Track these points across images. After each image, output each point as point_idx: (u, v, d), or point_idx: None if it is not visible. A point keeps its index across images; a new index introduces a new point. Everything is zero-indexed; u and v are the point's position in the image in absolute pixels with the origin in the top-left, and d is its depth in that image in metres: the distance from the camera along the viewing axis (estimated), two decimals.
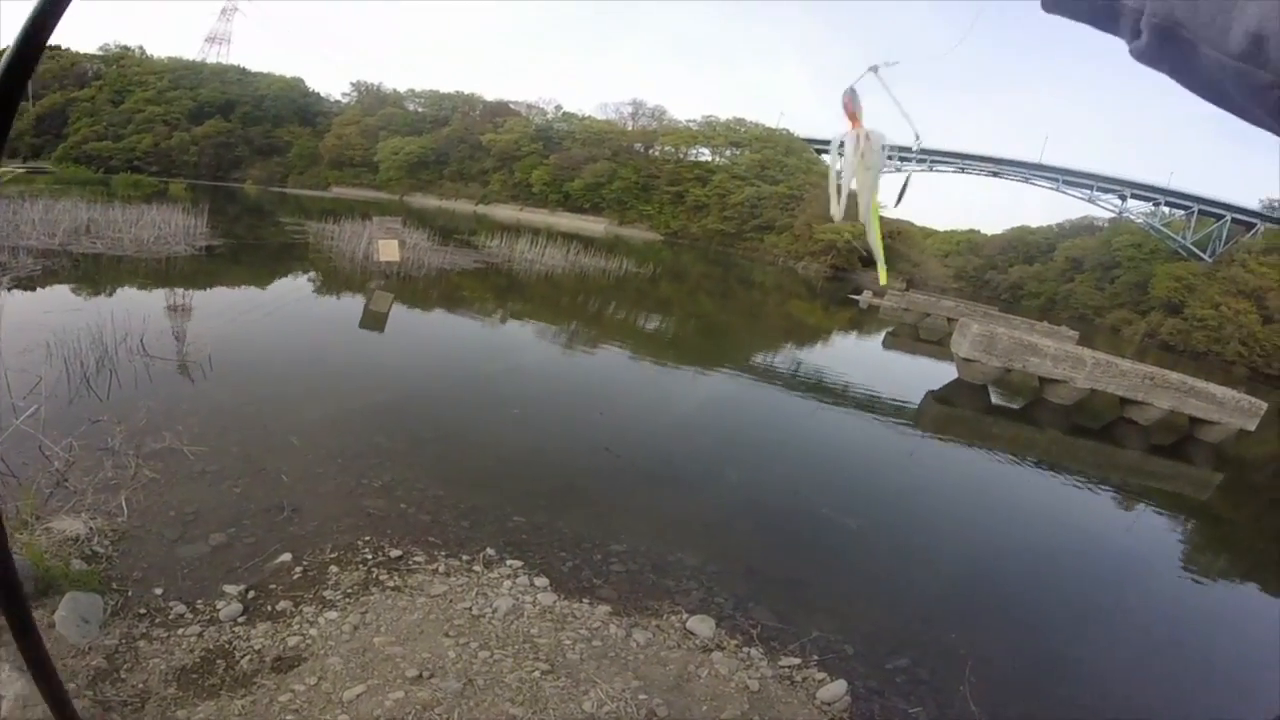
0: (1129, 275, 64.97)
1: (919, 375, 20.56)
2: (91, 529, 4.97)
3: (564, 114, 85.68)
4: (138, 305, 11.43)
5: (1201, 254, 62.58)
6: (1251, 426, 16.02)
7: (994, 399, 17.64)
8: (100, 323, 9.62)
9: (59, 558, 4.52)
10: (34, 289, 12.43)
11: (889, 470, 10.59)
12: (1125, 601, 7.44)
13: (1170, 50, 0.60)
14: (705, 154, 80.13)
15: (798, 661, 4.94)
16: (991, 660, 5.45)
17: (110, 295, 12.89)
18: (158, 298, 12.86)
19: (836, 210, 0.88)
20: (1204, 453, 15.76)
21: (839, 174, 0.87)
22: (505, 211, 72.78)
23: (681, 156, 79.43)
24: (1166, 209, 68.77)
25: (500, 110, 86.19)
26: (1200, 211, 66.16)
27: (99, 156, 68.79)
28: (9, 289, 11.78)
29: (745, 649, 4.98)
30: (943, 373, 19.59)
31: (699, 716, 4.17)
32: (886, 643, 5.45)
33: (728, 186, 74.64)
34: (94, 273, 15.12)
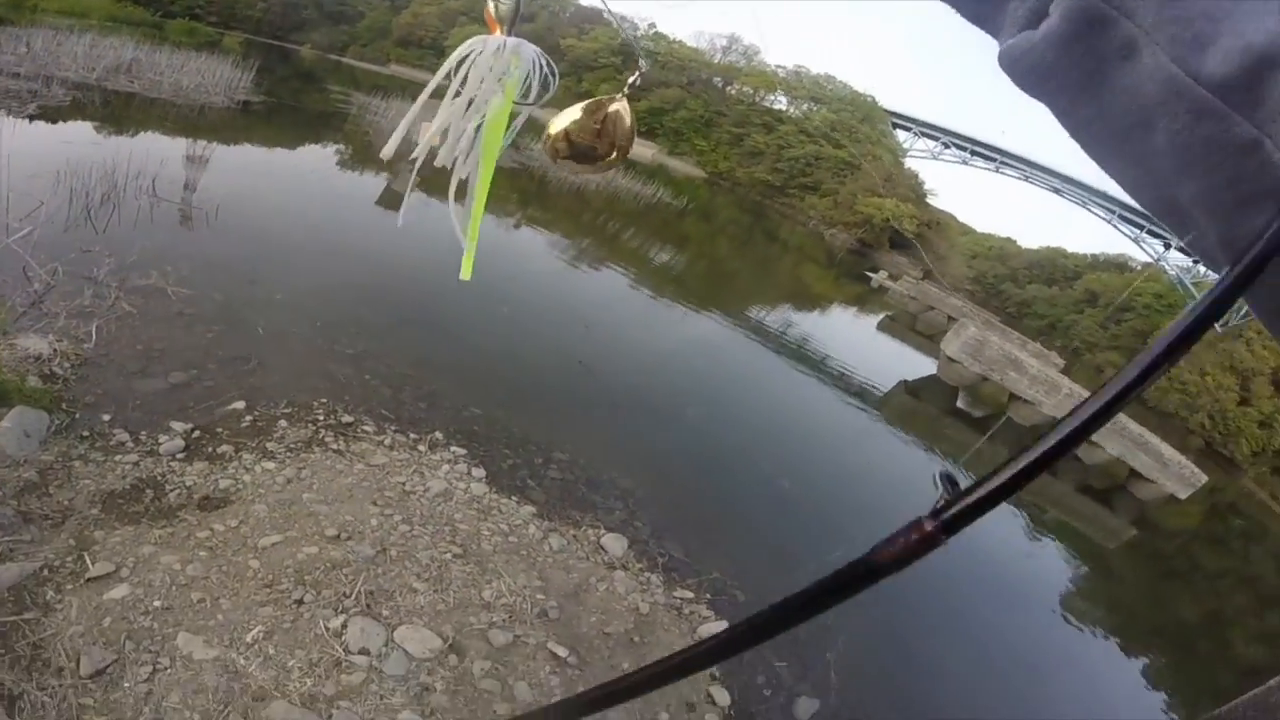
0: (1136, 322, 63.56)
1: (899, 363, 20.54)
2: (55, 350, 5.02)
3: (655, 33, 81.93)
4: (158, 148, 11.01)
5: (1216, 322, 61.10)
6: (1183, 495, 16.02)
7: (960, 403, 17.67)
8: (115, 159, 9.10)
9: (16, 373, 4.58)
10: (58, 120, 12.01)
11: (836, 444, 10.77)
12: (996, 621, 7.59)
13: (1084, 50, 0.41)
14: (782, 102, 76.63)
15: (691, 596, 5.18)
16: (861, 640, 5.66)
17: (133, 135, 12.46)
18: (180, 145, 12.36)
19: (427, 142, 0.77)
20: (1129, 506, 15.79)
21: (459, 88, 0.74)
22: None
23: (757, 100, 76.08)
24: (1203, 269, 66.75)
25: (590, 17, 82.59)
26: None
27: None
28: (31, 118, 11.37)
29: (647, 574, 5.21)
30: (923, 366, 19.59)
31: (585, 625, 4.42)
32: (776, 598, 5.64)
33: (791, 139, 71.62)
34: (123, 111, 14.59)
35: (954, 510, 0.47)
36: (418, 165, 0.83)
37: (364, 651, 3.53)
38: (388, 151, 0.76)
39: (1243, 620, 11.90)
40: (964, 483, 0.49)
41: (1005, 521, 11.01)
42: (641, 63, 0.81)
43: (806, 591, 0.53)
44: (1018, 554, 10.14)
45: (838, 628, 5.57)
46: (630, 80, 0.91)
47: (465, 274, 0.89)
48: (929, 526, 0.48)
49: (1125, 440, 16.14)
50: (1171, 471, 16.03)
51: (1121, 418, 16.43)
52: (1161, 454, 16.07)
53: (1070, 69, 0.42)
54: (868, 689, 5.21)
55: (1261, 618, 12.34)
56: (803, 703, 4.73)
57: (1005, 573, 9.08)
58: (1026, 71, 0.45)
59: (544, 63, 0.77)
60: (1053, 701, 6.57)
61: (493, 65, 0.73)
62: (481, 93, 0.74)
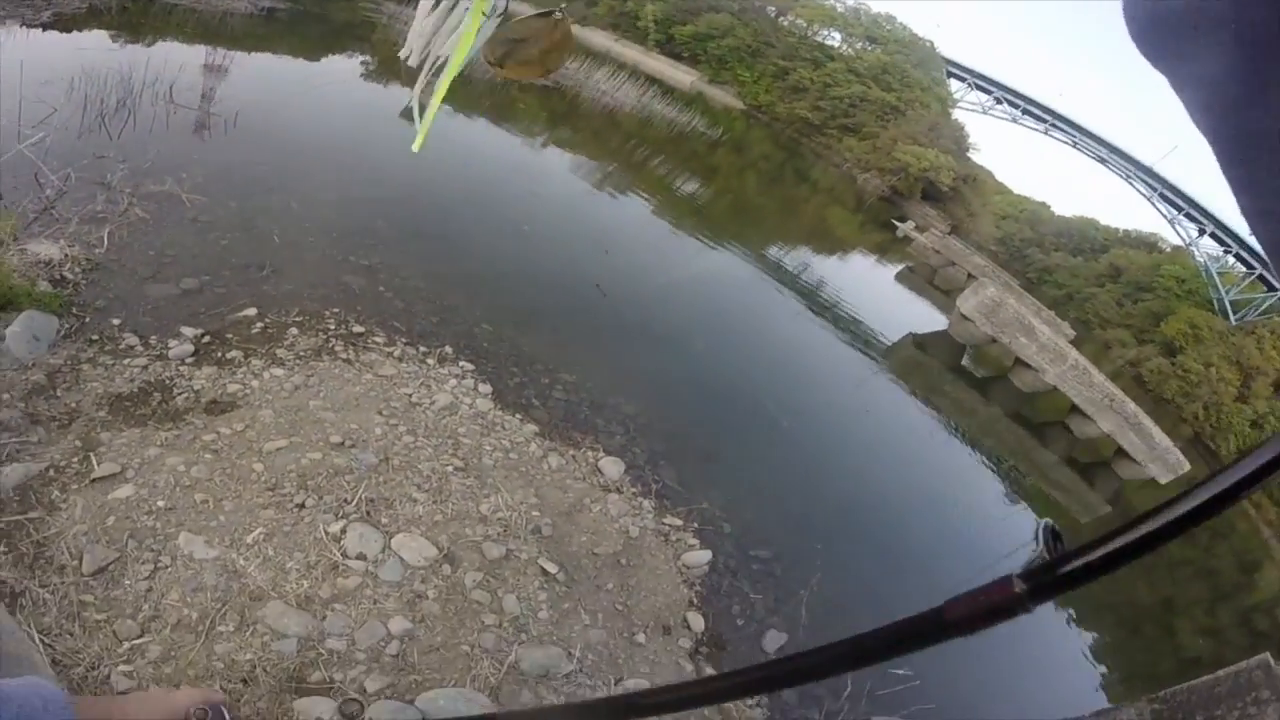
0: (1153, 303, 61.82)
1: (911, 316, 20.26)
2: (66, 255, 4.94)
3: None
4: (176, 55, 10.44)
5: (1231, 314, 59.37)
6: (1164, 480, 15.87)
7: (964, 361, 17.54)
8: (132, 65, 8.59)
9: (26, 278, 4.52)
10: (74, 28, 11.29)
11: (838, 387, 10.77)
12: (965, 579, 7.56)
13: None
14: (835, 38, 73.26)
15: (679, 524, 5.25)
16: (837, 583, 5.71)
17: (150, 44, 11.75)
18: (200, 52, 11.84)
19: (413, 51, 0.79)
20: (1109, 484, 15.67)
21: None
22: (599, 38, 68.02)
23: (809, 34, 72.65)
24: (1233, 259, 64.70)
25: None
26: (1260, 277, 62.23)
27: None
28: (44, 26, 10.63)
29: (640, 499, 5.27)
30: (935, 321, 19.42)
31: (576, 544, 4.50)
32: (759, 533, 5.74)
33: (838, 77, 68.49)
34: (141, 18, 13.65)
35: (1051, 575, 0.40)
36: (422, 79, 0.83)
37: (361, 557, 3.61)
38: (412, 59, 0.78)
39: (1192, 612, 11.88)
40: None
41: (986, 483, 11.06)
42: None
43: (861, 640, 0.48)
44: (994, 516, 10.17)
45: (818, 568, 5.62)
46: None
47: (416, 147, 0.86)
48: (1017, 588, 0.41)
49: (1119, 417, 16.05)
50: (1157, 455, 15.93)
51: (1119, 394, 16.29)
52: (1151, 436, 15.96)
53: (1255, 22, 0.30)
54: (834, 628, 5.19)
55: (1212, 612, 12.36)
56: (771, 635, 4.83)
57: (976, 535, 9.01)
58: (1181, 20, 0.33)
59: None
60: (999, 659, 6.43)
61: None
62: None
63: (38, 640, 2.68)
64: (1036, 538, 0.43)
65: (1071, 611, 8.46)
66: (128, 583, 3.03)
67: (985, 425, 13.87)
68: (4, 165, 5.43)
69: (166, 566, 3.15)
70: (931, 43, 72.08)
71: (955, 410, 13.25)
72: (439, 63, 0.84)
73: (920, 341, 16.92)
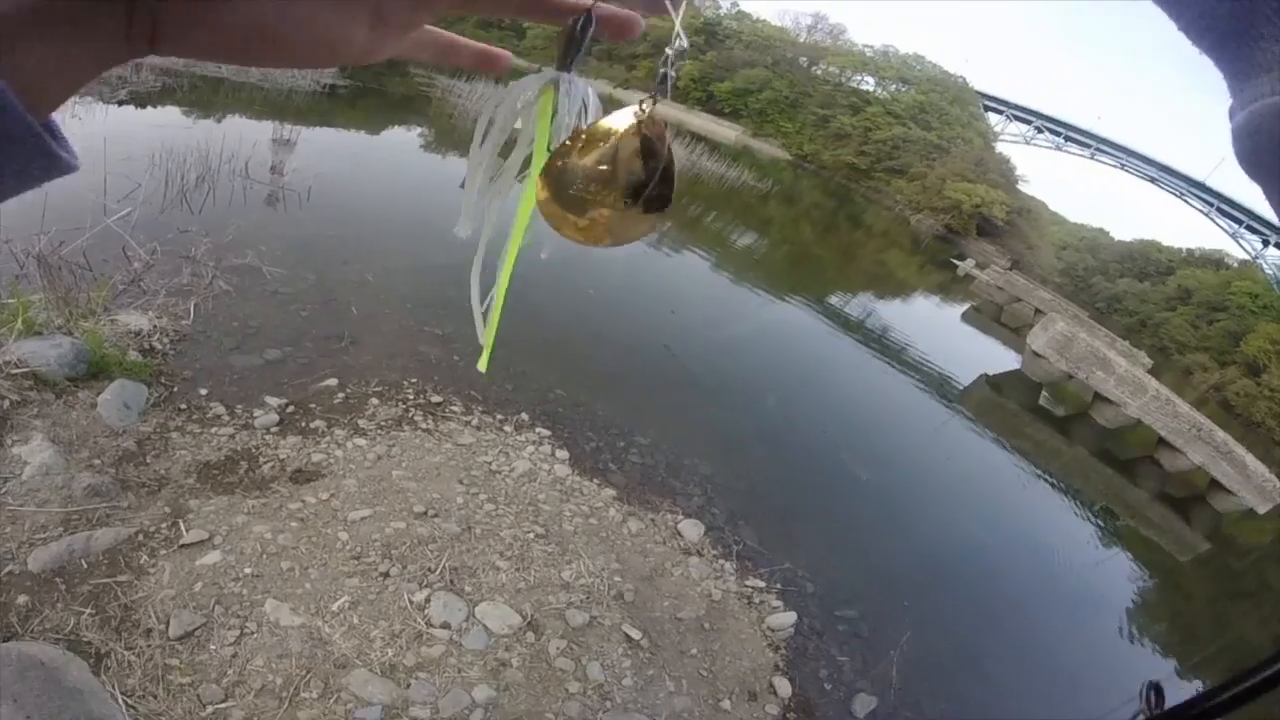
0: (1229, 323, 59.25)
1: (982, 356, 19.80)
2: (155, 326, 5.14)
3: (738, 11, 78.96)
4: (249, 131, 10.98)
5: None
6: (1262, 509, 14.83)
7: (1042, 401, 16.92)
8: (208, 142, 8.95)
9: (117, 347, 4.70)
10: (149, 105, 12.07)
11: (915, 435, 10.45)
12: (1060, 630, 7.19)
13: None
14: (869, 83, 73.64)
15: (762, 585, 5.08)
16: (926, 640, 5.46)
17: (222, 120, 12.46)
18: (269, 127, 12.48)
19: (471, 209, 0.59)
20: (1206, 518, 14.72)
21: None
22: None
23: (843, 81, 73.21)
24: None
25: None
26: None
27: None
28: (121, 103, 11.38)
29: (721, 561, 5.13)
30: (1007, 360, 18.88)
31: (659, 609, 4.38)
32: (845, 591, 5.53)
33: (878, 121, 68.47)
34: (212, 95, 14.60)
35: None
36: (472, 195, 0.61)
37: (445, 625, 3.57)
38: (463, 230, 0.61)
39: None
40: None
41: (1076, 527, 10.53)
42: (679, 41, 0.45)
43: None
44: (1088, 562, 9.61)
45: (905, 627, 5.40)
46: (662, 73, 0.52)
47: (482, 366, 0.67)
48: None
49: (1209, 447, 15.14)
50: (1253, 484, 14.87)
51: (1206, 423, 15.45)
52: (1245, 464, 14.95)
53: None
54: (927, 690, 5.02)
55: None
56: (861, 700, 4.60)
57: (1073, 580, 8.62)
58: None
59: (593, 102, 0.55)
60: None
61: (530, 105, 0.54)
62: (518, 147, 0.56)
63: (121, 702, 2.70)
64: (1141, 695, 0.44)
65: (1176, 659, 8.10)
66: (213, 648, 3.04)
67: (1071, 466, 13.25)
68: (94, 239, 5.70)
69: (252, 633, 3.16)
70: (963, 78, 72.05)
71: (1038, 452, 12.71)
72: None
73: (995, 382, 16.40)
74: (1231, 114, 0.35)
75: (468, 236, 0.60)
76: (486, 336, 0.64)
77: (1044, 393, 17.24)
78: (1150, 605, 9.50)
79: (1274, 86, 0.31)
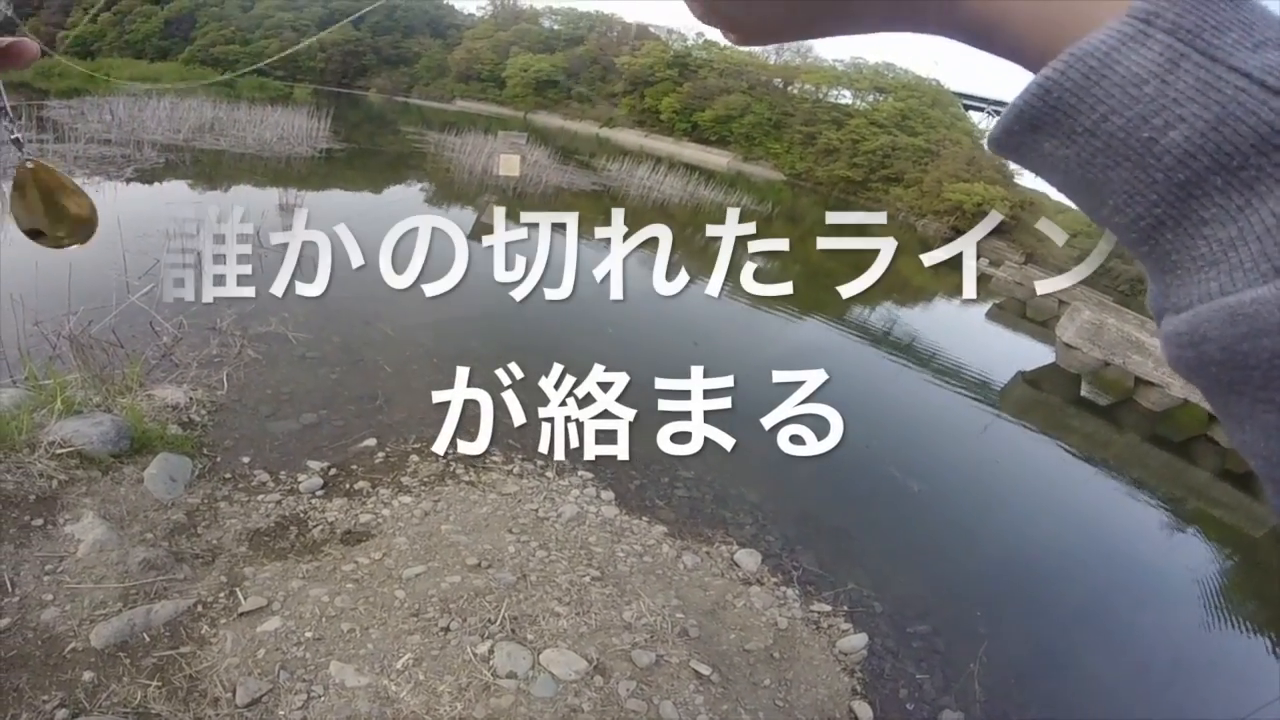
0: None
1: (1014, 353, 19.66)
2: (191, 399, 5.25)
3: (705, 41, 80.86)
4: (254, 199, 11.33)
5: None
6: None
7: (1084, 391, 16.77)
8: (219, 213, 9.17)
9: (157, 421, 4.82)
10: (155, 181, 12.38)
11: (960, 441, 10.33)
12: (1142, 622, 6.99)
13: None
14: (846, 96, 74.83)
15: (828, 609, 5.00)
16: (1005, 647, 5.35)
17: (227, 190, 12.80)
18: (273, 194, 12.52)
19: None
20: None
21: None
22: (629, 136, 70.24)
23: (821, 97, 74.42)
24: None
25: (639, 33, 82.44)
26: None
27: (225, 60, 67.35)
28: (128, 180, 11.73)
29: (783, 588, 5.06)
30: (1039, 354, 18.74)
31: (725, 642, 4.32)
32: (914, 607, 5.43)
33: (863, 132, 69.31)
34: (215, 169, 14.96)
35: None
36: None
37: (511, 675, 3.53)
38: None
39: None
40: None
41: (1143, 514, 10.36)
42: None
43: None
44: (1159, 550, 9.43)
45: (982, 636, 5.27)
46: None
47: None
48: None
49: None
50: None
51: None
52: None
53: None
54: (1014, 700, 4.92)
55: None
56: (946, 716, 4.50)
57: (1149, 568, 8.47)
58: (1263, 361, 0.27)
59: None
60: (1206, 703, 5.98)
61: None
62: None
63: None
64: None
65: (1271, 635, 7.67)
66: (282, 713, 3.05)
67: (1125, 454, 13.06)
68: (121, 316, 5.90)
69: (319, 696, 3.16)
70: (937, 81, 72.33)
71: (1088, 444, 12.54)
72: None
73: (1031, 378, 16.24)
74: (1158, 310, 0.33)
75: None
76: None
77: (1084, 383, 17.05)
78: (1233, 584, 9.28)
79: (1223, 284, 0.28)
